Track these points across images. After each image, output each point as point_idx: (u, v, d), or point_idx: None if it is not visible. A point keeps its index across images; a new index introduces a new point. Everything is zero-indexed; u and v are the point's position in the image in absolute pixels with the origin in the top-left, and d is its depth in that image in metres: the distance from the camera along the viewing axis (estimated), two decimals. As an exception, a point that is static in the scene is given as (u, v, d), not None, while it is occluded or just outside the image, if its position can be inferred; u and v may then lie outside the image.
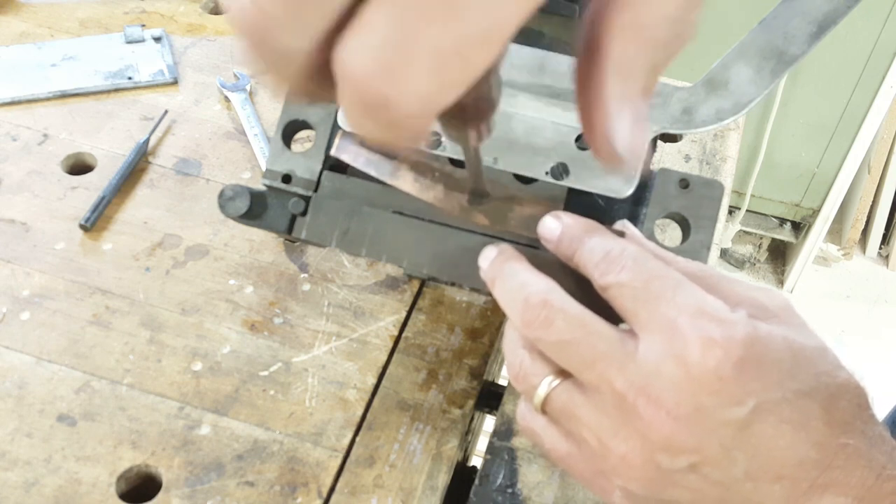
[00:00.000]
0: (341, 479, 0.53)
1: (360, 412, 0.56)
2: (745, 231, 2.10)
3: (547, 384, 0.39)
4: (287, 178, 0.52)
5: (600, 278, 0.39)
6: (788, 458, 0.34)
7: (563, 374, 0.39)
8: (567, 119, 0.47)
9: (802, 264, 2.06)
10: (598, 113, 0.27)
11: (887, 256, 2.17)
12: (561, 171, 0.48)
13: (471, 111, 0.30)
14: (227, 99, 0.75)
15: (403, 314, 0.61)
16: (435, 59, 0.22)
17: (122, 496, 0.51)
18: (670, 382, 0.34)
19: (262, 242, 0.65)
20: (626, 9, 0.25)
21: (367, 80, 0.22)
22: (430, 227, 0.50)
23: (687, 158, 0.77)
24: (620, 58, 0.26)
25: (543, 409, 0.40)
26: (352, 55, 0.22)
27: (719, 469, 0.35)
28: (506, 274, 0.42)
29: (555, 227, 0.43)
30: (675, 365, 0.34)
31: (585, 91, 0.27)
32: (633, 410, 0.35)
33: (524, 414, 0.42)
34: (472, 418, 0.57)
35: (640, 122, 0.28)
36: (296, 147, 0.53)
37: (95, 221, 0.65)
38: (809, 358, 0.35)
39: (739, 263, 2.19)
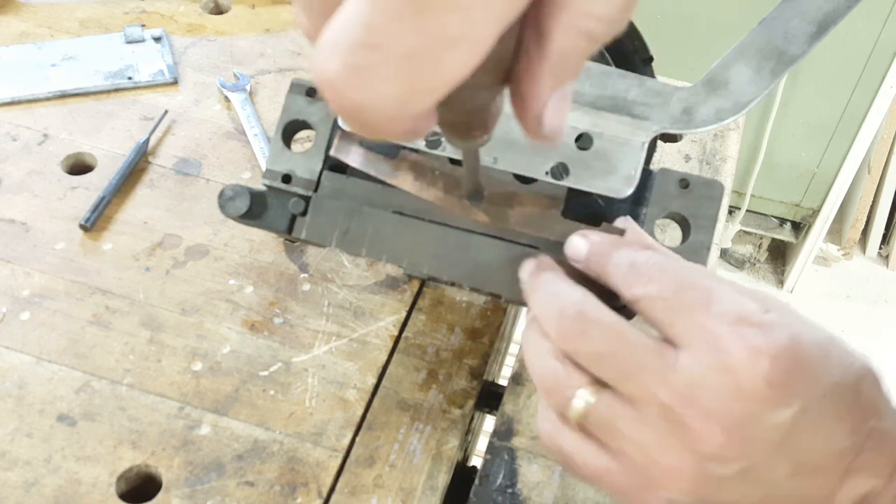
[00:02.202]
0: (341, 479, 0.53)
1: (360, 412, 0.56)
2: (745, 231, 2.10)
3: (584, 398, 0.37)
4: (287, 178, 0.52)
5: (627, 290, 0.38)
6: (828, 450, 0.35)
7: (600, 384, 0.38)
8: (567, 119, 0.47)
9: (802, 264, 2.06)
10: (532, 100, 0.28)
11: (887, 256, 2.17)
12: (561, 171, 0.48)
13: (475, 124, 0.30)
14: (227, 99, 0.75)
15: (403, 314, 0.61)
16: (404, 62, 0.21)
17: (122, 496, 0.51)
18: (719, 393, 0.34)
19: (262, 242, 0.65)
20: (571, 8, 0.26)
21: (335, 86, 0.22)
22: (430, 227, 0.50)
23: (687, 158, 0.77)
24: (560, 52, 0.27)
25: (579, 423, 0.39)
26: (321, 59, 0.22)
27: (766, 471, 0.35)
28: (540, 285, 0.41)
29: (582, 245, 0.43)
30: (724, 376, 0.34)
31: (522, 77, 0.28)
32: (680, 422, 0.35)
33: (549, 431, 0.40)
34: (472, 418, 0.57)
35: (564, 103, 0.29)
36: (296, 147, 0.53)
37: (95, 221, 0.65)
38: (833, 349, 0.36)
39: (739, 263, 2.19)
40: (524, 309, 0.68)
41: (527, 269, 0.44)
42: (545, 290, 0.41)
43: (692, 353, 0.35)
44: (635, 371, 0.36)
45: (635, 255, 0.39)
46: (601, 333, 0.37)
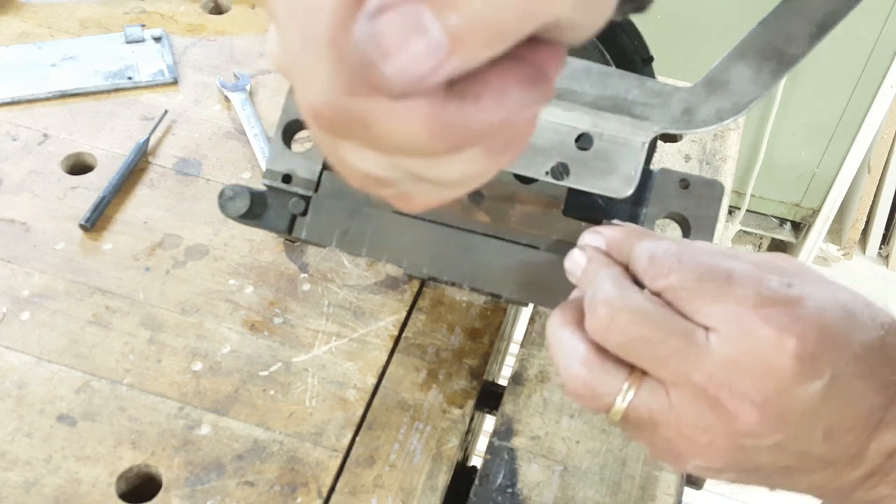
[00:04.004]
0: (341, 479, 0.53)
1: (360, 412, 0.56)
2: (745, 231, 2.10)
3: (622, 398, 0.37)
4: (287, 178, 0.52)
5: (651, 284, 0.38)
6: (858, 410, 0.35)
7: (637, 374, 0.38)
8: (567, 119, 0.47)
9: (802, 264, 2.06)
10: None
11: (887, 256, 2.17)
12: (561, 171, 0.48)
13: None
14: (227, 99, 0.75)
15: (403, 314, 0.61)
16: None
17: (122, 496, 0.51)
18: (751, 373, 0.35)
19: (262, 242, 0.65)
20: None
21: None
22: (430, 227, 0.50)
23: (687, 158, 0.77)
24: None
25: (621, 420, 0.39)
26: None
27: (800, 439, 0.36)
28: (585, 279, 0.41)
29: (598, 242, 0.42)
30: (754, 357, 0.35)
31: None
32: (715, 402, 0.35)
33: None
34: (472, 418, 0.57)
35: (417, 28, 0.24)
36: (296, 147, 0.53)
37: (95, 221, 0.65)
38: (858, 308, 0.36)
39: (739, 263, 2.19)
40: (524, 309, 0.68)
41: (577, 263, 0.41)
42: (587, 284, 0.40)
43: (721, 336, 0.36)
44: (667, 356, 0.36)
45: (654, 247, 0.39)
46: (629, 321, 0.37)
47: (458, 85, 0.26)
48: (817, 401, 0.35)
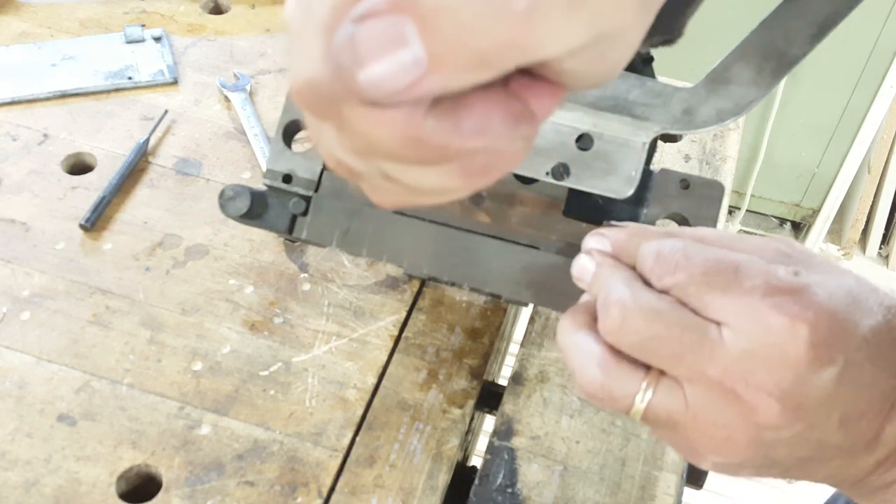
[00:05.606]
0: (341, 479, 0.53)
1: (360, 412, 0.56)
2: (745, 231, 2.10)
3: (641, 398, 0.37)
4: (288, 178, 0.52)
5: (658, 282, 0.38)
6: (872, 394, 0.35)
7: (651, 375, 0.37)
8: (567, 119, 0.47)
9: (802, 264, 2.06)
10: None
11: (887, 256, 2.17)
12: (561, 171, 0.48)
13: None
14: (227, 99, 0.75)
15: (403, 314, 0.61)
16: None
17: (122, 496, 0.51)
18: (766, 364, 0.35)
19: (262, 242, 0.65)
20: None
21: None
22: (431, 227, 0.50)
23: (687, 158, 0.77)
24: None
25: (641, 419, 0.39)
26: None
27: (818, 429, 0.36)
28: (595, 284, 0.40)
29: (604, 245, 0.41)
30: (768, 347, 0.35)
31: None
32: (732, 395, 0.35)
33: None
34: (472, 418, 0.57)
35: (397, 45, 0.24)
36: (296, 147, 0.53)
37: (95, 221, 0.65)
38: (863, 293, 0.36)
39: (739, 263, 2.19)
40: (524, 309, 0.68)
41: (587, 270, 0.41)
42: (598, 287, 0.40)
43: (733, 329, 0.36)
44: (681, 353, 0.36)
45: (659, 246, 0.39)
46: (641, 320, 0.36)
47: (442, 103, 0.26)
48: (832, 388, 0.35)
